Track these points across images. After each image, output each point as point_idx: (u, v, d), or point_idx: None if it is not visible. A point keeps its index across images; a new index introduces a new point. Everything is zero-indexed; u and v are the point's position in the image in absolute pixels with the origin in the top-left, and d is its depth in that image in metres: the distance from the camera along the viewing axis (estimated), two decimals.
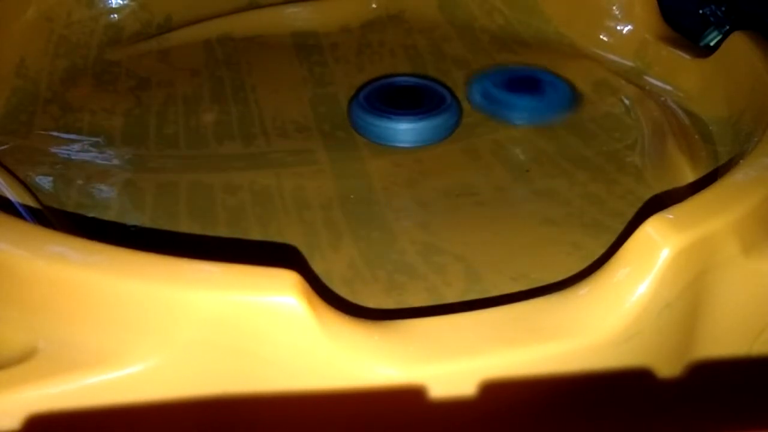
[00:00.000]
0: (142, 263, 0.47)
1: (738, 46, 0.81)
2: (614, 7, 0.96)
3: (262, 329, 0.46)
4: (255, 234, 0.72)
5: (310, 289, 0.47)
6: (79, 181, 0.78)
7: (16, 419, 0.45)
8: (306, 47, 1.02)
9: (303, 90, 0.94)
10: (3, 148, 0.82)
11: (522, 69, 0.94)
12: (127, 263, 0.47)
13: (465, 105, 0.89)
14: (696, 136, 0.80)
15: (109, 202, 0.76)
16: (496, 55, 0.99)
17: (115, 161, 0.82)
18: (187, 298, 0.46)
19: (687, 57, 0.88)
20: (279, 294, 0.45)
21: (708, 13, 0.91)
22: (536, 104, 0.88)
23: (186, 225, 0.73)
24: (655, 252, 0.50)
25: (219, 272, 0.47)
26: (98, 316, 0.47)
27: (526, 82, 0.90)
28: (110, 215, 0.74)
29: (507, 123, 0.87)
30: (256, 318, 0.46)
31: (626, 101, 0.89)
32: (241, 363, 0.47)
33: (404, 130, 0.84)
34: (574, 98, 0.90)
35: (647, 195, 0.76)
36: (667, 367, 0.54)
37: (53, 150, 0.83)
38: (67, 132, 0.86)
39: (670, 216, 0.52)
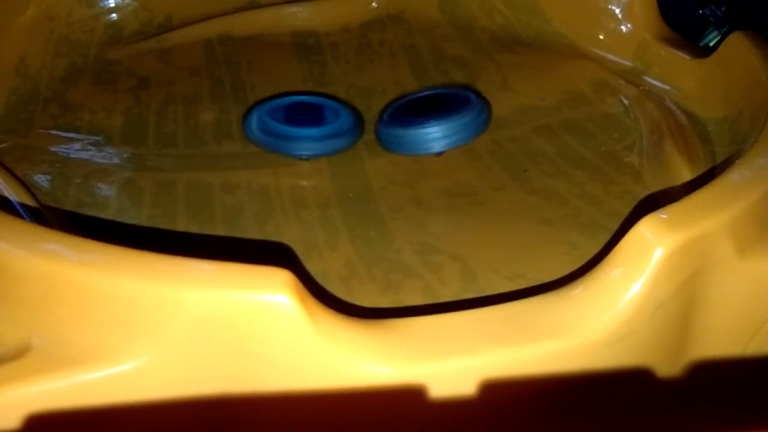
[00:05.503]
0: (135, 261, 0.47)
1: (737, 46, 0.81)
2: (614, 7, 0.96)
3: (254, 327, 0.46)
4: (252, 233, 0.72)
5: (302, 288, 0.47)
6: (78, 180, 0.78)
7: (9, 416, 0.45)
8: (306, 47, 1.02)
9: (303, 89, 0.94)
10: (2, 146, 0.82)
11: (301, 97, 0.88)
12: (121, 261, 0.47)
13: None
14: (694, 137, 0.80)
15: (108, 200, 0.76)
16: (496, 55, 0.99)
17: (115, 160, 0.82)
18: (180, 295, 0.46)
19: (686, 57, 0.88)
20: (271, 292, 0.45)
21: (708, 13, 0.91)
22: (318, 134, 0.82)
23: (184, 224, 0.73)
24: (649, 252, 0.50)
25: (212, 270, 0.47)
26: (91, 314, 0.47)
27: (305, 111, 0.85)
28: (109, 213, 0.74)
29: (290, 155, 0.82)
30: (248, 316, 0.46)
31: (625, 101, 0.89)
32: (235, 361, 0.47)
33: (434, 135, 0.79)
34: (358, 122, 0.86)
35: (645, 195, 0.75)
36: (661, 367, 0.53)
37: (53, 148, 0.83)
38: (67, 131, 0.86)
39: (664, 216, 0.52)
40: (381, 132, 0.83)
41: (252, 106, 0.86)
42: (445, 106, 0.82)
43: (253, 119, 0.83)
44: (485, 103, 0.85)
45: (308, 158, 0.82)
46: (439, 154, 0.81)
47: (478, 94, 0.86)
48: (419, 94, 0.87)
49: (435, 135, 0.79)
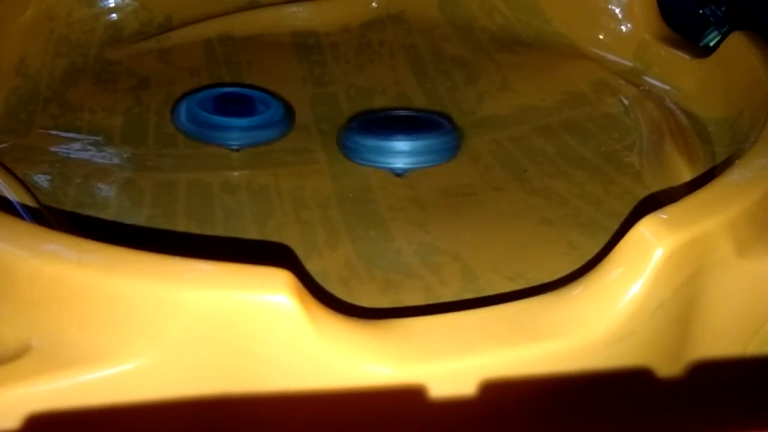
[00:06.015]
0: (134, 261, 0.47)
1: (737, 46, 0.81)
2: (614, 7, 0.96)
3: (254, 328, 0.46)
4: (252, 233, 0.72)
5: (302, 288, 0.47)
6: (78, 180, 0.78)
7: (9, 416, 0.45)
8: (306, 47, 1.02)
9: (303, 89, 0.94)
10: (2, 146, 0.82)
11: (231, 89, 0.88)
12: (120, 261, 0.47)
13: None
14: (694, 137, 0.80)
15: (108, 200, 0.76)
16: (496, 55, 0.99)
17: (115, 160, 0.82)
18: (179, 296, 0.46)
19: (686, 57, 0.88)
20: (271, 292, 0.45)
21: (708, 13, 0.91)
22: (248, 124, 0.82)
23: (183, 224, 0.73)
24: (649, 252, 0.50)
25: (211, 270, 0.47)
26: (91, 314, 0.47)
27: (234, 102, 0.85)
28: (109, 214, 0.74)
29: (219, 145, 0.82)
30: (248, 316, 0.46)
31: (625, 101, 0.89)
32: (234, 361, 0.47)
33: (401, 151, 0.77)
34: (289, 114, 0.86)
35: (645, 195, 0.76)
36: (661, 368, 0.53)
37: (52, 149, 0.83)
38: (67, 131, 0.86)
39: (664, 216, 0.52)
40: (344, 139, 0.80)
41: (180, 97, 0.87)
42: (415, 126, 0.80)
43: (182, 110, 0.83)
44: (457, 131, 0.82)
45: (238, 149, 0.82)
46: (400, 174, 0.78)
47: (451, 120, 0.84)
48: (391, 112, 0.86)
49: (400, 149, 0.77)
